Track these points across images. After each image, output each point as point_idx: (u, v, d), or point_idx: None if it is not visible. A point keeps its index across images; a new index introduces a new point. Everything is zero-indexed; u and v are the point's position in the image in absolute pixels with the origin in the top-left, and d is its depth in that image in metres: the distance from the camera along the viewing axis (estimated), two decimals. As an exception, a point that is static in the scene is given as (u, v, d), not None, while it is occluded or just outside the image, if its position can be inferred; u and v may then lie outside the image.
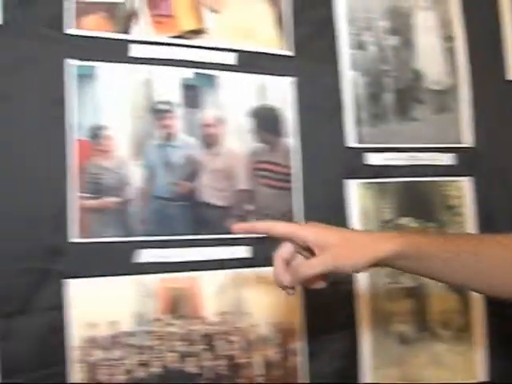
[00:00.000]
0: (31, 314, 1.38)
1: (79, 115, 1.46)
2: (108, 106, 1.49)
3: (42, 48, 1.43)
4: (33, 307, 1.39)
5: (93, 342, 1.44)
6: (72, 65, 1.47)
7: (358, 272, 0.92)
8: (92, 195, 1.44)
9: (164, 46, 1.55)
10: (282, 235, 0.92)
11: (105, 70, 1.49)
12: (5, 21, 1.38)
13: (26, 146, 1.40)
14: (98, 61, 1.51)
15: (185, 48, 1.56)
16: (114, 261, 1.47)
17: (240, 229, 0.98)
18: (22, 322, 1.38)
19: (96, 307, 1.45)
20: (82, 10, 1.47)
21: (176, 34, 1.54)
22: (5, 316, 1.34)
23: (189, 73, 1.52)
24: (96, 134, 1.49)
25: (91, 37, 1.50)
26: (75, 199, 1.44)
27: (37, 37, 1.43)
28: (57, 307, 1.41)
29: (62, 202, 1.43)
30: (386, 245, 0.95)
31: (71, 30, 1.48)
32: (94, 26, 1.50)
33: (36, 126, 1.41)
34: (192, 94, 1.53)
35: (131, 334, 1.44)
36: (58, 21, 1.46)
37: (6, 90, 1.39)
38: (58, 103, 1.45)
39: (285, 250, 0.92)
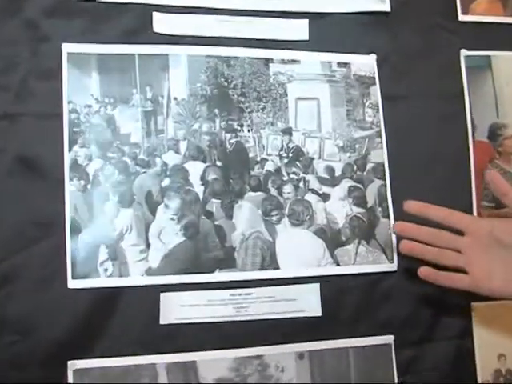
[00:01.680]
0: (437, 341, 1.25)
1: (476, 112, 1.28)
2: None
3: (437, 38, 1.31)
4: (438, 334, 1.25)
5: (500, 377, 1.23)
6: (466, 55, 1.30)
7: None
8: (494, 204, 1.19)
9: None
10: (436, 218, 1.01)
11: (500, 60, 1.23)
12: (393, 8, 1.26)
13: (422, 146, 1.27)
14: (492, 50, 1.33)
15: None
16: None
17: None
18: (427, 350, 1.24)
19: (504, 335, 1.24)
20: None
21: None
22: (410, 344, 1.22)
23: None
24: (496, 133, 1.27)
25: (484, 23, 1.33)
26: (477, 209, 1.27)
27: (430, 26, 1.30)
28: (464, 335, 1.27)
29: (464, 212, 1.21)
30: None
31: (465, 17, 1.32)
32: (484, 11, 1.33)
33: (434, 124, 1.27)
34: None
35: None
36: (449, 8, 1.33)
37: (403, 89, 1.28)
38: (456, 98, 1.30)
39: None
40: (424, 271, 1.06)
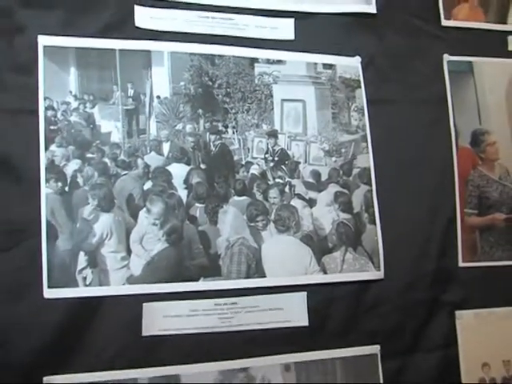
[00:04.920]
0: (422, 351, 1.26)
1: (459, 118, 1.31)
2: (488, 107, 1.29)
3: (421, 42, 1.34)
4: (424, 344, 1.26)
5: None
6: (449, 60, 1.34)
7: None
8: (477, 211, 1.25)
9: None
10: None
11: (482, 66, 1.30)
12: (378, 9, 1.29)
13: (407, 151, 1.30)
14: (474, 56, 1.37)
15: None
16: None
17: None
18: (413, 360, 1.25)
19: (489, 344, 1.27)
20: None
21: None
22: (396, 354, 1.23)
23: None
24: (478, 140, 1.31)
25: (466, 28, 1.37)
26: (461, 216, 1.30)
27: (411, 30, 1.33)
28: (449, 344, 1.28)
29: (448, 219, 1.30)
30: None
31: (447, 23, 1.37)
32: (466, 17, 1.38)
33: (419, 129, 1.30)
34: None
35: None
36: (432, 12, 1.37)
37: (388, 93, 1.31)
38: (439, 103, 1.33)
39: None
40: None
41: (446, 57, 1.34)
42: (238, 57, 1.20)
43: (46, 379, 1.00)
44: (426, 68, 1.33)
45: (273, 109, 1.22)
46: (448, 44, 1.35)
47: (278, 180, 1.21)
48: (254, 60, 1.22)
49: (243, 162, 1.19)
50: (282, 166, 1.22)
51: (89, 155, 1.09)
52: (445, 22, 1.36)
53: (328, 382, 1.16)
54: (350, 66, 1.29)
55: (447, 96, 1.33)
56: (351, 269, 1.20)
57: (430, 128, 1.31)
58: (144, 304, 1.07)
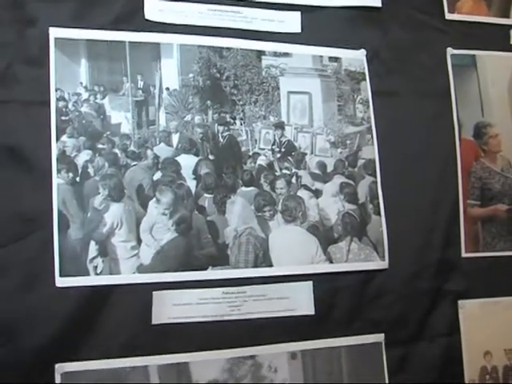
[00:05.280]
0: (426, 340, 1.28)
1: (462, 110, 1.32)
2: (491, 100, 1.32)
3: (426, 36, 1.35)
4: (427, 332, 1.28)
5: (486, 374, 1.28)
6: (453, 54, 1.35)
7: None
8: (480, 202, 1.27)
9: None
10: None
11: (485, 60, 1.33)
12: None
13: (411, 143, 1.31)
14: (477, 49, 1.39)
15: None
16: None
17: None
18: (416, 348, 1.27)
19: (491, 333, 1.28)
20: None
21: None
22: (400, 343, 1.24)
23: None
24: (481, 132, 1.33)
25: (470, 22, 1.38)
26: (464, 207, 1.31)
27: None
28: (452, 332, 1.29)
29: (451, 209, 1.32)
30: None
31: (451, 16, 1.37)
32: (470, 10, 1.39)
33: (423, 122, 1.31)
34: None
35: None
36: (436, 6, 1.38)
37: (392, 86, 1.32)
38: (443, 96, 1.34)
39: None
40: None
41: (450, 50, 1.35)
42: (246, 49, 1.21)
43: (58, 366, 1.01)
44: (430, 61, 1.34)
45: (279, 101, 1.23)
46: (451, 37, 1.36)
47: (284, 171, 1.22)
48: (261, 53, 1.23)
49: (251, 153, 1.20)
50: (289, 157, 1.23)
51: (99, 146, 1.10)
52: (448, 16, 1.36)
53: (333, 369, 1.17)
54: (356, 58, 1.30)
55: (450, 89, 1.34)
56: (356, 258, 1.21)
57: (433, 120, 1.32)
58: (154, 292, 1.07)
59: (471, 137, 1.35)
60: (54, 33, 1.09)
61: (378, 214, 1.25)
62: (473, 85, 1.36)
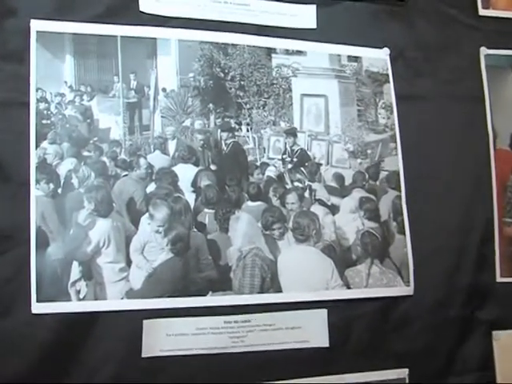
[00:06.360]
0: (455, 375, 1.17)
1: (497, 117, 1.23)
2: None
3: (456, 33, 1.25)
4: (457, 367, 1.17)
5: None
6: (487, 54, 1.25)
7: None
8: None
9: None
10: None
11: None
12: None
13: (440, 153, 1.20)
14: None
15: None
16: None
17: None
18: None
19: None
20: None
21: None
22: (426, 378, 1.14)
23: None
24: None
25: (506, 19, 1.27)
26: (499, 226, 1.20)
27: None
28: (485, 367, 1.18)
29: (485, 228, 1.21)
30: None
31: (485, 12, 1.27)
32: (506, 6, 1.29)
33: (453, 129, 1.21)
34: None
35: None
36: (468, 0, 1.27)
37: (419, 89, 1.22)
38: (475, 101, 1.24)
39: None
40: None
41: (483, 50, 1.25)
42: (254, 46, 1.12)
43: (33, 403, 0.87)
44: (461, 62, 1.24)
45: (292, 104, 1.14)
46: (485, 36, 1.26)
47: (296, 184, 1.12)
48: (271, 50, 1.13)
49: (258, 163, 1.11)
50: (302, 168, 1.13)
51: (85, 153, 1.01)
52: (482, 12, 1.26)
53: (351, 411, 1.02)
54: (378, 58, 1.20)
55: (484, 93, 1.24)
56: (377, 283, 1.12)
57: (464, 128, 1.22)
58: (144, 321, 0.98)
59: (507, 146, 1.24)
60: (36, 25, 0.99)
61: (403, 233, 1.16)
62: (509, 88, 1.26)
